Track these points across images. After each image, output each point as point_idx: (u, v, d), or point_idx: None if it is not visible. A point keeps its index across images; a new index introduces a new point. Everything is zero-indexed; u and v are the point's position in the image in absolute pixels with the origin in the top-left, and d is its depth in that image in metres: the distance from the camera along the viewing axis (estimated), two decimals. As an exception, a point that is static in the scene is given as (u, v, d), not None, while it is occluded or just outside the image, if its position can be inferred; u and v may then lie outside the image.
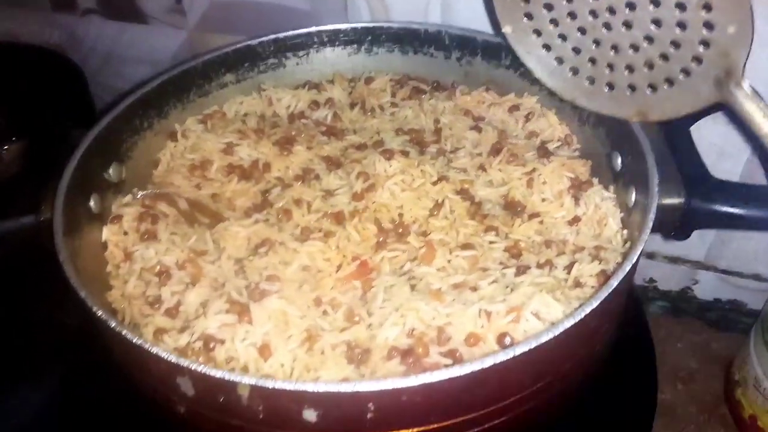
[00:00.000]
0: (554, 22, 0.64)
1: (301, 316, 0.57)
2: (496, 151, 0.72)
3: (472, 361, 0.43)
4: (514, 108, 0.76)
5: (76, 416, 0.71)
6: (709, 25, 0.54)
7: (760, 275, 0.92)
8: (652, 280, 0.99)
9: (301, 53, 0.82)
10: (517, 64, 0.76)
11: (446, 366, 0.50)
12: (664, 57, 0.58)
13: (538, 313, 0.52)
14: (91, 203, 0.65)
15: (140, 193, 0.68)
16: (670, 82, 0.59)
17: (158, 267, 0.62)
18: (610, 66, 0.62)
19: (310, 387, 0.41)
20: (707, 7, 0.53)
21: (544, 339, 0.43)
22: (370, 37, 0.82)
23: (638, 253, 0.50)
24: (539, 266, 0.59)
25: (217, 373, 0.43)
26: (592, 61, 0.63)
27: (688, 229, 0.59)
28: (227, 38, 0.90)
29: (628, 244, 0.61)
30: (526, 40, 0.67)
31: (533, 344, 0.43)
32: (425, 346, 0.52)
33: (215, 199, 0.70)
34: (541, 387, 0.48)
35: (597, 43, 0.62)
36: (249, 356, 0.54)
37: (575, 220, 0.65)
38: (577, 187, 0.67)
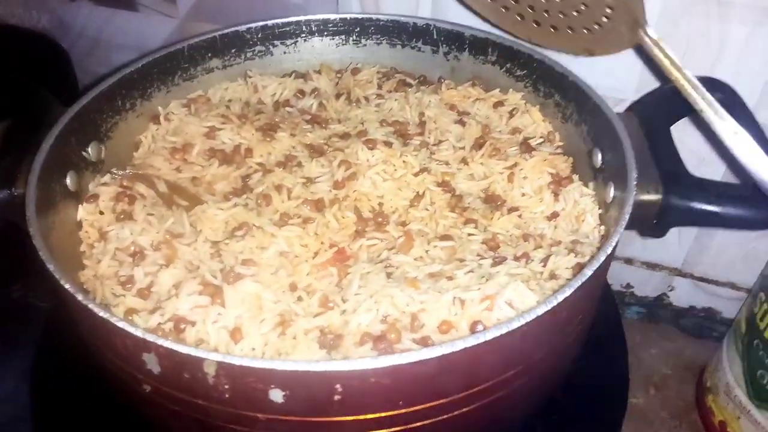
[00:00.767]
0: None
1: (275, 300, 0.56)
2: (478, 145, 0.72)
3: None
4: (498, 104, 0.76)
5: (46, 397, 0.70)
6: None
7: (735, 284, 0.93)
8: (629, 286, 1.00)
9: (289, 42, 0.82)
10: (503, 61, 0.77)
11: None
12: (585, 5, 0.66)
13: (511, 302, 0.52)
14: (68, 181, 0.64)
15: (118, 173, 0.67)
16: (598, 24, 0.67)
17: (133, 247, 0.61)
18: (546, 11, 0.70)
19: (278, 365, 0.41)
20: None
21: (516, 325, 0.43)
22: (358, 29, 0.82)
23: (613, 244, 0.51)
24: (516, 258, 0.59)
25: (183, 349, 0.42)
26: (531, 8, 0.71)
27: (665, 226, 0.59)
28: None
29: (604, 241, 0.61)
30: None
31: (504, 329, 0.42)
32: (398, 332, 0.51)
33: (195, 182, 0.70)
34: (512, 376, 0.48)
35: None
36: (220, 339, 0.53)
37: (554, 216, 0.65)
38: (558, 183, 0.67)
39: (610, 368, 0.71)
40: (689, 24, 0.74)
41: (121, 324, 0.44)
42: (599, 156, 0.65)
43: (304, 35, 0.82)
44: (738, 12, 0.72)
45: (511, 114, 0.75)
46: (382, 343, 0.51)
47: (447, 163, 0.71)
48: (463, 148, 0.73)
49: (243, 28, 0.79)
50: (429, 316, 0.52)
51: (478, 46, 0.78)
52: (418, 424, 0.47)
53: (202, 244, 0.62)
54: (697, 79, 0.61)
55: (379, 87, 0.80)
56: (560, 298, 0.45)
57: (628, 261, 0.95)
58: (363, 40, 0.83)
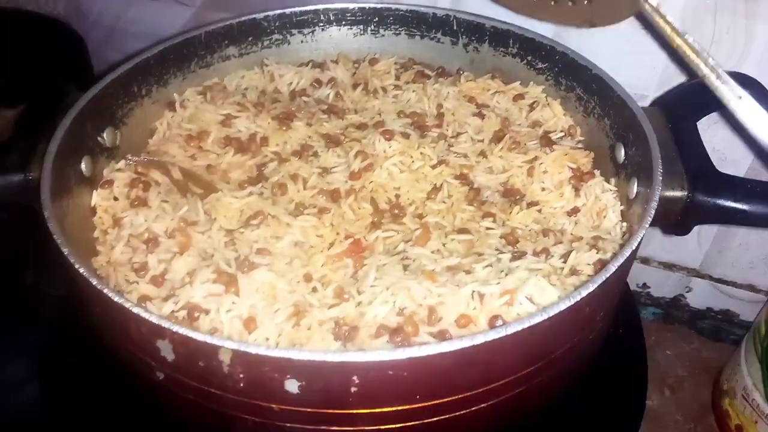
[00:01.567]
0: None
1: (290, 290, 0.56)
2: (498, 138, 0.71)
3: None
4: (519, 97, 0.75)
5: (58, 383, 0.70)
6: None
7: (755, 286, 0.91)
8: (645, 286, 0.98)
9: (306, 31, 0.81)
10: (524, 53, 0.76)
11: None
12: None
13: (532, 297, 0.50)
14: (83, 166, 0.63)
15: (133, 159, 0.67)
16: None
17: (147, 234, 0.60)
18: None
19: (294, 354, 0.40)
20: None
21: (538, 319, 0.42)
22: (377, 18, 0.81)
23: (638, 240, 0.49)
24: (536, 254, 0.58)
25: (199, 336, 0.41)
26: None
27: (690, 223, 0.58)
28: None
29: (626, 237, 0.60)
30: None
31: (526, 324, 0.41)
32: (415, 325, 0.50)
33: (210, 170, 0.69)
34: (531, 372, 0.47)
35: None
36: (233, 328, 0.53)
37: (574, 211, 0.64)
38: (578, 178, 0.65)
39: (628, 369, 0.70)
40: (715, 20, 0.73)
41: (135, 310, 0.43)
42: (622, 151, 0.64)
43: (321, 24, 0.81)
44: (765, 9, 0.70)
45: (532, 107, 0.74)
46: (399, 336, 0.50)
47: (465, 156, 0.70)
48: (482, 140, 0.71)
49: (260, 16, 0.78)
50: (447, 309, 0.51)
51: (499, 37, 0.76)
52: (435, 419, 0.46)
53: (217, 232, 0.61)
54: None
55: (397, 78, 0.79)
56: (583, 293, 0.44)
57: (645, 261, 0.94)
58: (381, 30, 0.81)
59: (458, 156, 0.69)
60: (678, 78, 0.77)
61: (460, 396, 0.45)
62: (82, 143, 0.64)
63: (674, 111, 0.63)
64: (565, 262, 0.56)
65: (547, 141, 0.69)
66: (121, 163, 0.66)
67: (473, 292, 0.51)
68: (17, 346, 0.82)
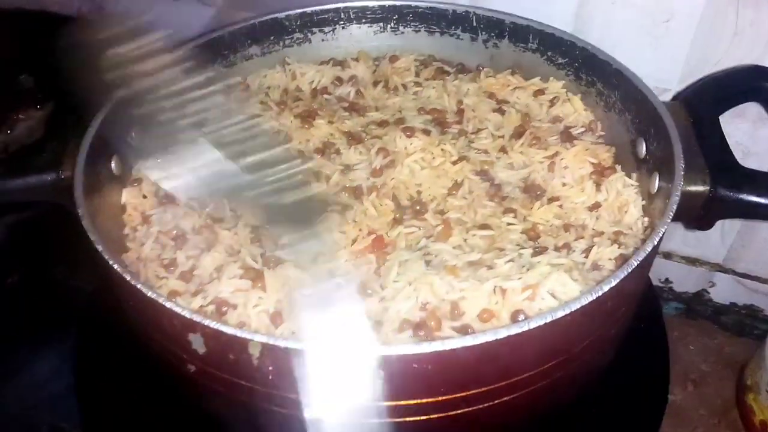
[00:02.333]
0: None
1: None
2: (518, 134, 0.71)
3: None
4: (539, 92, 0.75)
5: (91, 375, 0.72)
6: None
7: (780, 280, 0.91)
8: (668, 281, 0.98)
9: (327, 29, 0.82)
10: (544, 48, 0.76)
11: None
12: None
13: (554, 292, 0.51)
14: (113, 165, 0.65)
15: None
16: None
17: (175, 231, 0.62)
18: None
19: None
20: None
21: (561, 314, 0.42)
22: (396, 16, 0.81)
23: (660, 235, 0.50)
24: (557, 249, 0.59)
25: (229, 330, 0.43)
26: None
27: (712, 218, 0.58)
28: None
29: (648, 232, 0.60)
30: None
31: (549, 318, 0.42)
32: (438, 319, 0.51)
33: (235, 168, 0.70)
34: (553, 366, 0.48)
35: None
36: (261, 323, 0.54)
37: (596, 206, 0.64)
38: (600, 173, 0.66)
39: (650, 364, 0.70)
40: (738, 13, 0.72)
41: (168, 304, 0.45)
42: (644, 146, 0.64)
43: (342, 22, 0.82)
44: (791, 0, 0.70)
45: (552, 102, 0.74)
46: (422, 331, 0.51)
47: (486, 152, 0.70)
48: (503, 136, 0.72)
49: (282, 15, 0.79)
50: (469, 304, 0.52)
51: (519, 33, 0.77)
52: (458, 411, 0.47)
53: (243, 228, 0.62)
54: (745, 68, 0.58)
55: (417, 75, 0.80)
56: (605, 288, 0.44)
57: (668, 255, 0.94)
58: (401, 28, 0.82)
59: (479, 152, 0.70)
60: (700, 71, 0.77)
61: (482, 389, 0.46)
62: (111, 142, 0.65)
63: (696, 105, 0.62)
64: (586, 257, 0.57)
65: (567, 136, 0.70)
66: (150, 162, 0.68)
67: (495, 287, 0.52)
68: (50, 339, 0.85)
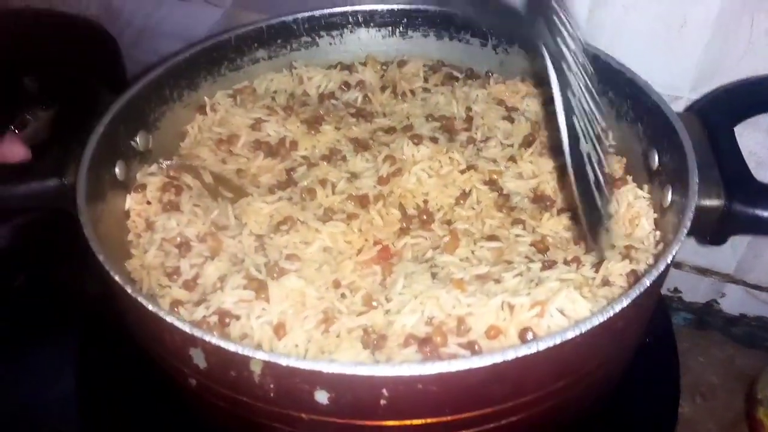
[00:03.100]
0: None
1: (319, 297, 0.56)
2: (527, 142, 0.70)
3: (492, 353, 0.41)
4: (550, 100, 0.74)
5: (92, 382, 0.71)
6: None
7: (792, 291, 0.89)
8: (677, 291, 0.96)
9: (335, 33, 0.81)
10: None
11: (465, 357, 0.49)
12: None
13: (563, 309, 0.50)
14: (117, 170, 0.64)
15: (165, 163, 0.68)
16: None
17: (179, 238, 0.61)
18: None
19: (325, 367, 0.40)
20: None
21: (570, 335, 0.41)
22: (405, 20, 0.80)
23: (673, 253, 0.48)
24: (566, 263, 0.57)
25: (231, 347, 0.42)
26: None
27: (726, 233, 0.57)
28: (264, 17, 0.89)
29: (660, 246, 0.59)
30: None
31: (558, 340, 0.41)
32: (444, 335, 0.50)
33: (240, 174, 0.70)
34: (562, 386, 0.47)
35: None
36: (264, 334, 0.53)
37: (606, 218, 0.63)
38: (611, 184, 0.64)
39: (660, 377, 0.69)
40: (753, 21, 0.71)
41: (169, 318, 0.44)
42: (656, 157, 0.63)
43: (350, 26, 0.81)
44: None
45: (563, 111, 0.73)
46: (428, 346, 0.50)
47: (494, 161, 0.69)
48: (512, 145, 0.71)
49: (290, 18, 0.78)
50: (476, 320, 0.51)
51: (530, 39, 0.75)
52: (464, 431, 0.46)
53: (247, 237, 0.62)
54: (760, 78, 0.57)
55: (426, 80, 0.79)
56: (617, 308, 0.43)
57: (677, 265, 0.92)
58: (410, 32, 0.81)
59: (487, 161, 0.69)
60: (714, 78, 0.76)
61: (489, 410, 0.45)
62: (115, 148, 0.65)
63: (711, 116, 0.61)
64: (596, 271, 0.56)
65: (578, 146, 0.68)
66: (154, 167, 0.67)
67: (503, 302, 0.51)
68: (54, 342, 0.84)
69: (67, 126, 0.66)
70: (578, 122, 0.50)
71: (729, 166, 0.57)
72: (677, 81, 0.77)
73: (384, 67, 0.81)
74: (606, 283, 0.55)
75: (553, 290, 0.51)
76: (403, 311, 0.53)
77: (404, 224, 0.64)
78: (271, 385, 0.43)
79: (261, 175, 0.69)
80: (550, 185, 0.66)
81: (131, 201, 0.65)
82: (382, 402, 0.42)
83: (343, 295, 0.57)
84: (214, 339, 0.42)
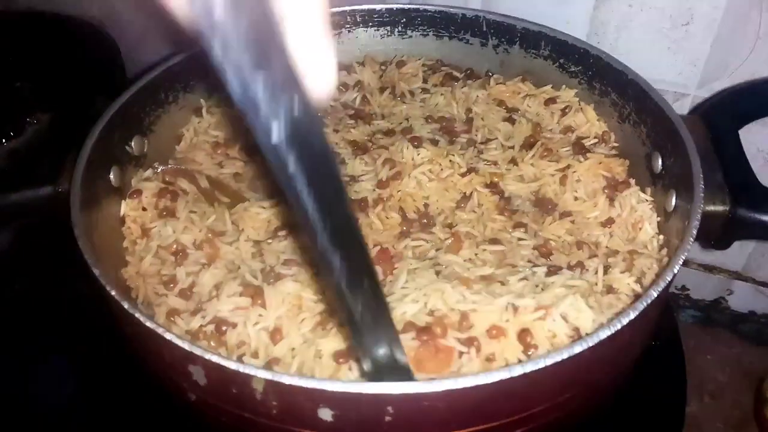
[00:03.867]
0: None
1: (316, 300, 0.55)
2: (529, 144, 0.69)
3: (489, 355, 0.41)
4: (550, 101, 0.73)
5: (94, 388, 0.70)
6: None
7: (800, 289, 0.88)
8: (684, 288, 0.95)
9: (333, 32, 0.79)
10: (556, 55, 0.73)
11: (461, 353, 0.49)
12: None
13: (566, 315, 0.49)
14: (111, 176, 0.63)
15: (161, 168, 0.66)
16: None
17: (175, 246, 0.60)
18: None
19: (328, 386, 0.39)
20: None
21: (578, 350, 0.40)
22: (404, 19, 0.79)
23: (679, 262, 0.48)
24: (570, 267, 0.57)
25: (231, 365, 0.41)
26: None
27: (731, 238, 0.56)
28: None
29: (664, 251, 0.58)
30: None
31: (566, 355, 0.40)
32: (444, 327, 0.49)
33: (237, 178, 0.68)
34: (568, 398, 0.46)
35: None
36: (260, 341, 0.53)
37: (609, 222, 0.62)
38: (613, 188, 0.64)
39: (667, 377, 0.68)
40: (761, 16, 0.69)
41: (168, 336, 0.43)
42: (659, 160, 0.62)
43: (348, 26, 0.80)
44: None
45: (564, 112, 0.72)
46: (426, 335, 0.49)
47: (495, 163, 0.68)
48: (513, 147, 0.70)
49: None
50: (479, 317, 0.50)
51: (530, 39, 0.74)
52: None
53: (244, 243, 0.61)
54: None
55: (425, 81, 0.78)
56: (624, 321, 0.43)
57: (685, 263, 0.90)
58: (409, 32, 0.80)
59: (488, 164, 0.68)
60: (721, 76, 0.74)
61: (495, 423, 0.44)
62: (110, 153, 0.63)
63: (715, 119, 0.60)
64: (602, 274, 0.55)
65: (580, 148, 0.67)
66: (149, 172, 0.66)
67: (509, 303, 0.50)
68: (56, 347, 0.83)
69: (60, 132, 0.64)
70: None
71: (734, 171, 0.56)
72: (683, 78, 0.76)
73: (382, 67, 0.80)
74: (610, 290, 0.54)
75: (559, 296, 0.51)
76: (405, 300, 0.52)
77: (404, 228, 0.63)
78: (274, 403, 0.42)
79: (258, 180, 0.68)
80: (551, 188, 0.65)
81: (126, 207, 0.64)
82: (387, 419, 0.41)
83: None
84: (214, 357, 0.41)
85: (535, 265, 0.58)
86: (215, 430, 0.51)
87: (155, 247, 0.61)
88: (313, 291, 0.55)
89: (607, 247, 0.60)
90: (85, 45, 0.97)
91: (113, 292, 0.46)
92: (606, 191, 0.64)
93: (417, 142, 0.68)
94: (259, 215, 0.63)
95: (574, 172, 0.65)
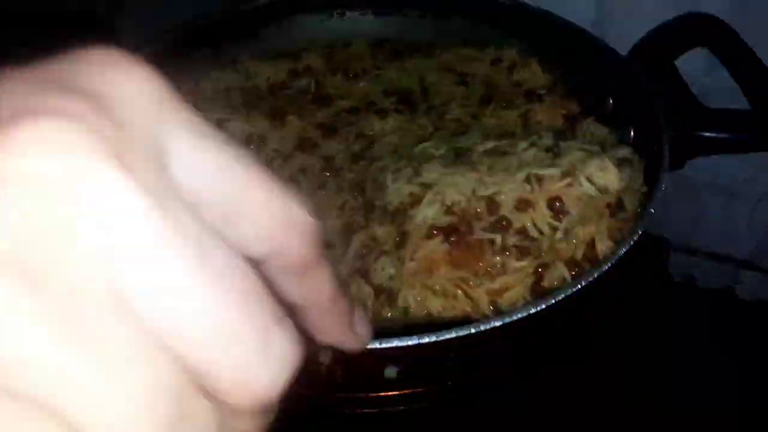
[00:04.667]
0: None
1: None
2: (486, 100, 0.73)
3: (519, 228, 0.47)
4: (496, 61, 0.77)
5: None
6: None
7: (812, 277, 0.87)
8: (692, 278, 0.89)
9: (273, 22, 0.79)
10: (493, 17, 0.77)
11: (490, 241, 0.51)
12: None
13: (591, 176, 0.53)
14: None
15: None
16: None
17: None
18: None
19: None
20: None
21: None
22: (340, 1, 0.80)
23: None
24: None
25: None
26: None
27: (682, 158, 0.62)
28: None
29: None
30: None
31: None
32: (467, 223, 0.52)
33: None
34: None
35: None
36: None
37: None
38: (571, 121, 0.69)
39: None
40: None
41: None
42: (610, 101, 0.68)
43: (286, 13, 0.80)
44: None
45: (511, 69, 0.76)
46: (453, 235, 0.52)
47: (459, 120, 0.71)
48: (472, 105, 0.73)
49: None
50: (504, 197, 0.53)
51: (466, 4, 0.78)
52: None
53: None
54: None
55: (374, 58, 0.80)
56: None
57: (692, 252, 0.88)
58: (347, 13, 0.81)
59: (453, 121, 0.71)
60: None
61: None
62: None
63: (652, 53, 0.67)
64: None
65: (534, 97, 0.72)
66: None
67: (529, 175, 0.53)
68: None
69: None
70: None
71: (675, 96, 0.63)
72: (689, 67, 0.73)
73: (328, 50, 0.81)
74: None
75: (581, 159, 0.54)
76: (423, 202, 0.54)
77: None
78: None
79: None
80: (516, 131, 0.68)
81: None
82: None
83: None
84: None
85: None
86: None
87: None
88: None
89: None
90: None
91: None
92: (566, 125, 0.68)
93: (382, 114, 0.70)
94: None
95: (536, 114, 0.70)
